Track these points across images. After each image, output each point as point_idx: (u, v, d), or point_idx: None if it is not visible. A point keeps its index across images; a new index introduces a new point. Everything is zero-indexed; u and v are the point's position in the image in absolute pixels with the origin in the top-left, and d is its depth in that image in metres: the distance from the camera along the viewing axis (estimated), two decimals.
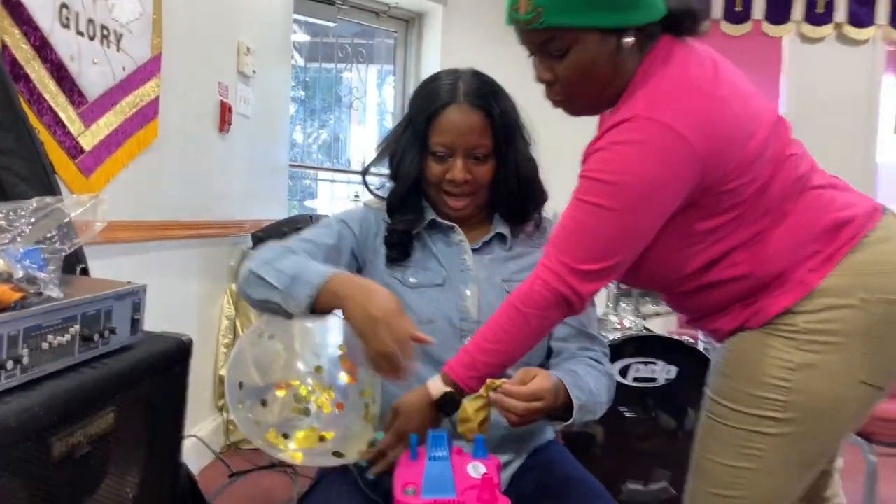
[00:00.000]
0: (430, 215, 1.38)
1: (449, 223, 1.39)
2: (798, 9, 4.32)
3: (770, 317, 1.18)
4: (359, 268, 1.40)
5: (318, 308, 1.17)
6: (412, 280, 1.34)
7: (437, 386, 1.14)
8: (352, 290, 1.14)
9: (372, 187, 1.47)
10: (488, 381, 1.14)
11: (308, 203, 4.69)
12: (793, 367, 1.14)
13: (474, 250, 1.38)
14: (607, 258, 1.12)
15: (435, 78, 1.37)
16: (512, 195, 1.37)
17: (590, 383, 1.27)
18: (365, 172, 1.47)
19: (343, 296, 1.14)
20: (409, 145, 1.34)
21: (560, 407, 1.20)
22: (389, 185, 1.42)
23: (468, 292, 1.34)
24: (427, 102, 1.33)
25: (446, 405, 1.14)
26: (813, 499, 1.42)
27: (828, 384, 1.14)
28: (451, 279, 1.35)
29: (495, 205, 1.41)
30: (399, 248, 1.36)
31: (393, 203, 1.39)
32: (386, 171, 1.42)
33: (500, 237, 1.40)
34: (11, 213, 0.92)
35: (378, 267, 1.37)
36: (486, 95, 1.32)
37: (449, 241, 1.38)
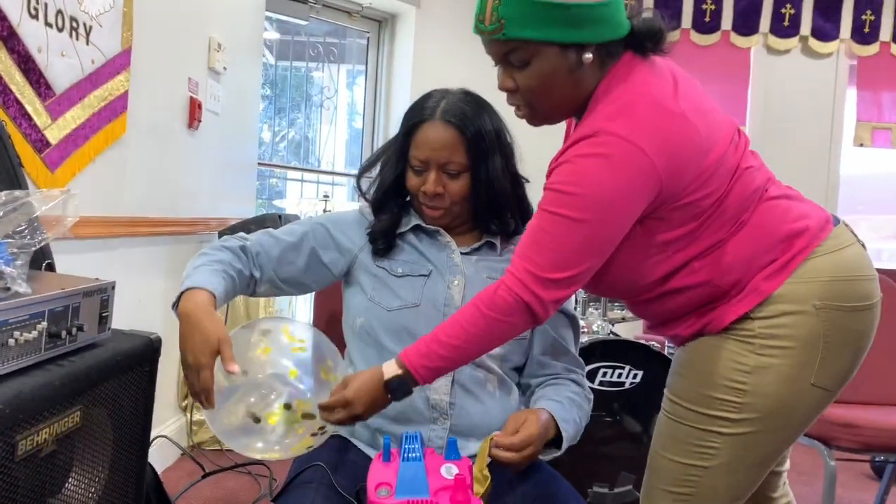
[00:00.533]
0: (415, 220, 1.45)
1: (434, 227, 1.45)
2: (765, 21, 4.41)
3: (726, 324, 1.22)
4: (345, 267, 1.46)
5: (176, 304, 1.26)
6: (399, 270, 1.41)
7: (390, 367, 1.17)
8: (183, 321, 1.22)
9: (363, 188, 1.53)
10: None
11: (276, 202, 4.65)
12: (748, 370, 1.19)
13: (463, 253, 1.44)
14: (571, 267, 1.14)
15: (428, 95, 1.43)
16: (486, 209, 1.42)
17: (574, 414, 1.35)
18: (360, 176, 1.53)
19: (180, 319, 1.23)
20: (392, 156, 1.44)
21: (551, 438, 1.28)
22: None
23: (455, 282, 1.40)
24: (410, 117, 1.41)
25: (395, 389, 1.16)
26: (763, 501, 1.46)
27: (781, 387, 1.19)
28: (438, 271, 1.41)
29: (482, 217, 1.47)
30: (381, 241, 1.42)
31: (377, 203, 1.47)
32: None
33: (490, 245, 1.46)
34: None
35: (366, 260, 1.43)
36: (464, 114, 1.37)
37: (437, 244, 1.44)
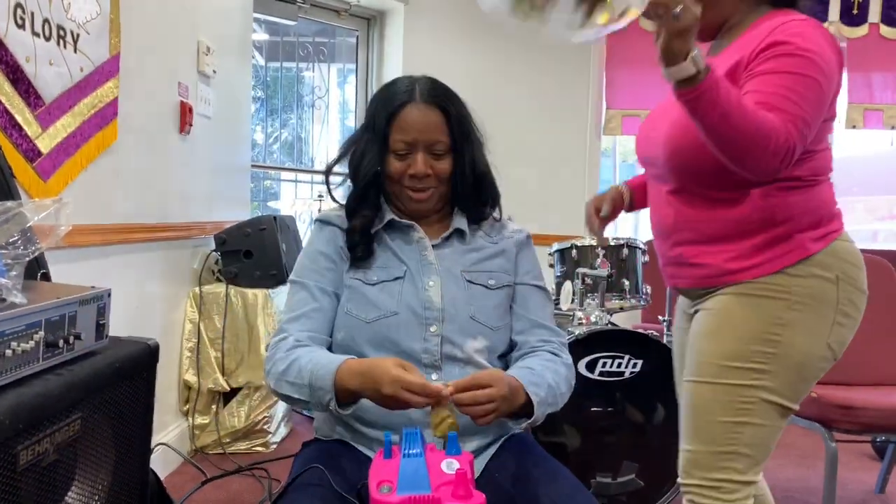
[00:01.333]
0: (389, 215, 1.43)
1: (407, 222, 1.43)
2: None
3: (770, 271, 1.37)
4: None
5: (343, 402, 1.22)
6: (374, 278, 1.38)
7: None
8: (360, 382, 1.18)
9: (332, 187, 1.51)
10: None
11: (271, 204, 4.65)
12: (783, 324, 1.36)
13: (434, 246, 1.43)
14: (814, 126, 1.29)
15: (393, 83, 1.43)
16: (468, 190, 1.43)
17: (547, 377, 1.32)
18: (328, 172, 1.51)
19: (354, 390, 1.20)
20: (369, 146, 1.40)
21: (521, 406, 1.25)
22: (347, 188, 1.47)
23: (430, 283, 1.38)
24: (386, 103, 1.39)
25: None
26: None
27: (806, 340, 1.36)
28: (412, 272, 1.39)
29: (453, 202, 1.47)
30: (361, 247, 1.40)
31: (351, 203, 1.43)
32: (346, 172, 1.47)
33: (459, 233, 1.45)
34: None
35: (343, 273, 1.41)
36: (441, 96, 1.39)
37: (409, 240, 1.43)
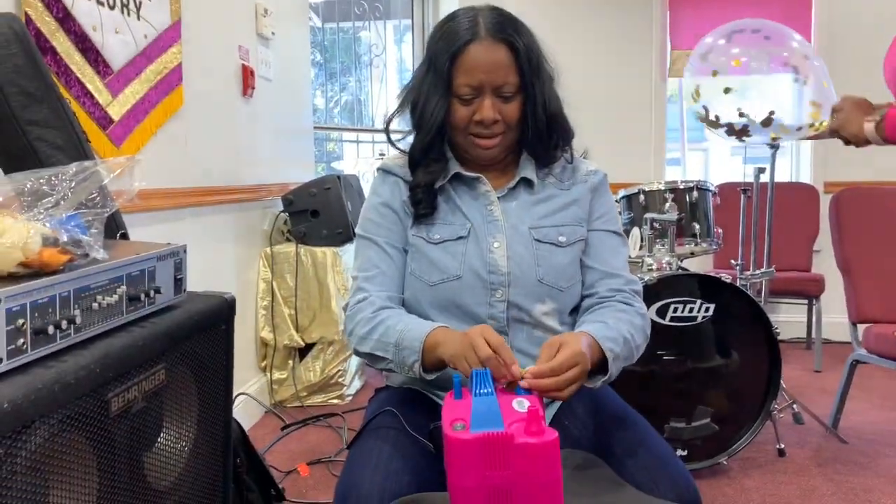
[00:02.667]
0: (455, 167, 1.34)
1: (474, 174, 1.34)
2: None
3: None
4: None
5: (428, 368, 1.18)
6: (436, 236, 1.31)
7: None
8: (451, 349, 1.12)
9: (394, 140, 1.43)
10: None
11: (335, 165, 4.70)
12: None
13: (500, 198, 1.34)
14: None
15: (452, 17, 1.30)
16: (540, 133, 1.32)
17: (622, 330, 1.23)
18: (388, 125, 1.41)
19: (446, 357, 1.13)
20: (431, 90, 1.28)
21: (597, 363, 1.16)
22: (409, 139, 1.38)
23: (496, 244, 1.30)
24: (447, 43, 1.26)
25: None
26: None
27: None
28: (477, 230, 1.31)
29: (521, 147, 1.36)
30: (425, 203, 1.32)
31: (415, 155, 1.34)
32: (406, 126, 1.38)
33: (526, 182, 1.36)
34: (53, 178, 0.94)
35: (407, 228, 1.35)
36: (508, 29, 1.26)
37: (475, 193, 1.34)
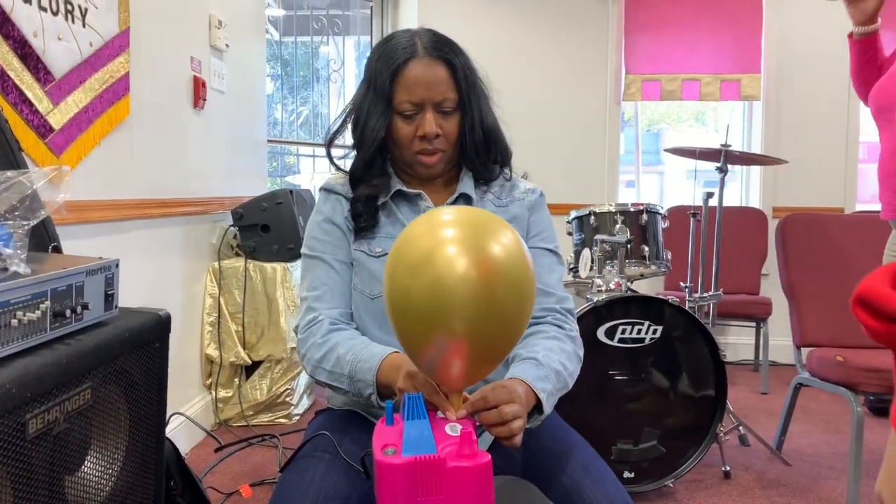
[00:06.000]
0: (397, 185, 1.35)
1: (415, 191, 1.35)
2: None
3: None
4: None
5: (385, 396, 1.17)
6: (378, 249, 1.31)
7: None
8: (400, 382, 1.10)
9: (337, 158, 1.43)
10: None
11: (290, 179, 4.65)
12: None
13: None
14: None
15: (390, 38, 1.32)
16: (478, 147, 1.34)
17: (553, 363, 1.21)
18: (329, 143, 1.41)
19: (396, 385, 1.12)
20: (372, 108, 1.30)
21: (534, 403, 1.14)
22: (350, 156, 1.38)
23: None
24: (387, 61, 1.28)
25: None
26: None
27: None
28: None
29: (460, 164, 1.38)
30: (366, 216, 1.33)
31: (357, 172, 1.35)
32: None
33: (466, 198, 1.36)
34: None
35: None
36: (445, 48, 1.29)
37: (416, 208, 1.35)
